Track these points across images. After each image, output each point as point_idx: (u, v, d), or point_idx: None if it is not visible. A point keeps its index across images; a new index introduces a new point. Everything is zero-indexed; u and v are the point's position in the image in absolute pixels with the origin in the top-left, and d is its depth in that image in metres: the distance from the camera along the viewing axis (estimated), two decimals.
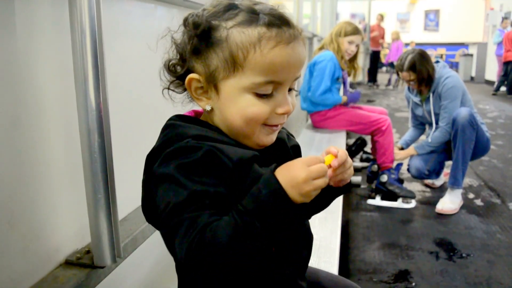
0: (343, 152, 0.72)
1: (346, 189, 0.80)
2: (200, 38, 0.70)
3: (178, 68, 0.75)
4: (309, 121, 3.35)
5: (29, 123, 0.87)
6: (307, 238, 0.83)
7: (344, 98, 3.10)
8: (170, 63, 0.75)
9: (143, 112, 1.29)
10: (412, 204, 2.91)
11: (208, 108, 0.73)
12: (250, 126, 0.71)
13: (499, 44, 9.98)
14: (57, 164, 0.95)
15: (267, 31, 0.68)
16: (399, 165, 3.06)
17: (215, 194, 0.63)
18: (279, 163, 0.66)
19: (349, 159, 0.74)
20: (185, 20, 0.72)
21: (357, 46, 3.08)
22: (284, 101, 0.72)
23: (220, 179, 0.65)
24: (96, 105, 0.90)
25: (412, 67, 2.84)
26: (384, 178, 2.98)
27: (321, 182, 0.64)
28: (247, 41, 0.67)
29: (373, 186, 3.13)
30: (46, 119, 0.91)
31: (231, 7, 0.70)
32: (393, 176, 2.98)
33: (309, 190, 0.62)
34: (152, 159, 0.71)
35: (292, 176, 0.62)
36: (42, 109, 0.90)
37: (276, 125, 0.74)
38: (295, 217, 0.64)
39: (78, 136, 0.93)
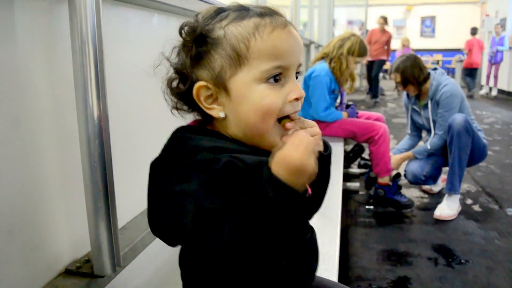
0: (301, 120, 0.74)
1: (326, 158, 0.78)
2: (198, 43, 0.70)
3: (181, 86, 0.73)
4: None
5: (28, 133, 0.87)
6: (316, 251, 0.83)
7: (345, 115, 3.09)
8: (172, 81, 0.74)
9: (141, 120, 1.30)
10: (409, 208, 2.92)
11: (222, 115, 0.71)
12: (265, 122, 0.70)
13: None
14: (56, 174, 0.95)
15: (261, 20, 0.69)
16: (397, 181, 3.04)
17: (238, 204, 0.62)
18: None
19: (317, 128, 0.74)
20: (181, 29, 0.72)
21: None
22: (295, 86, 0.72)
23: (242, 187, 0.64)
24: (96, 114, 0.91)
25: (398, 69, 2.98)
26: (381, 193, 2.97)
27: (315, 151, 0.64)
28: (245, 32, 0.68)
29: (371, 192, 3.13)
30: (45, 129, 0.92)
31: (221, 11, 0.72)
32: (391, 191, 2.97)
33: (309, 165, 0.62)
34: (161, 172, 0.70)
35: (289, 166, 0.61)
36: (41, 119, 0.90)
37: (289, 123, 0.72)
38: (306, 203, 0.65)
39: (78, 145, 0.93)
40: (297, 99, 0.72)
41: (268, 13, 0.71)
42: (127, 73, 1.20)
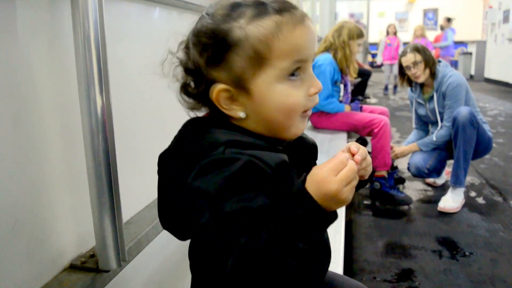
0: (363, 150, 0.71)
1: (364, 184, 0.79)
2: (216, 45, 0.66)
3: (197, 87, 0.70)
4: (309, 122, 3.37)
5: (31, 128, 0.87)
6: (329, 249, 0.82)
7: (348, 108, 3.08)
8: (188, 83, 0.71)
9: (144, 115, 1.29)
10: (406, 205, 2.90)
11: (242, 115, 0.69)
12: (291, 119, 0.69)
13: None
14: (60, 169, 0.95)
15: (281, 17, 0.67)
16: (394, 173, 3.02)
17: (257, 209, 0.61)
18: (300, 162, 0.68)
19: (369, 157, 0.73)
20: (197, 33, 0.68)
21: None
22: (313, 80, 0.71)
23: (262, 189, 0.62)
24: (99, 109, 0.90)
25: (417, 49, 2.90)
26: (377, 186, 2.96)
27: (354, 183, 0.62)
28: (267, 33, 0.66)
29: (368, 187, 3.13)
30: (49, 125, 0.91)
31: (235, 6, 0.68)
32: (387, 184, 2.95)
33: (345, 197, 0.61)
34: (173, 165, 0.69)
35: (325, 192, 0.60)
36: (44, 115, 0.90)
37: (308, 110, 0.72)
38: (331, 222, 0.63)
39: (81, 140, 0.93)
40: (316, 93, 0.71)
41: (286, 8, 0.68)
42: (129, 68, 1.20)
